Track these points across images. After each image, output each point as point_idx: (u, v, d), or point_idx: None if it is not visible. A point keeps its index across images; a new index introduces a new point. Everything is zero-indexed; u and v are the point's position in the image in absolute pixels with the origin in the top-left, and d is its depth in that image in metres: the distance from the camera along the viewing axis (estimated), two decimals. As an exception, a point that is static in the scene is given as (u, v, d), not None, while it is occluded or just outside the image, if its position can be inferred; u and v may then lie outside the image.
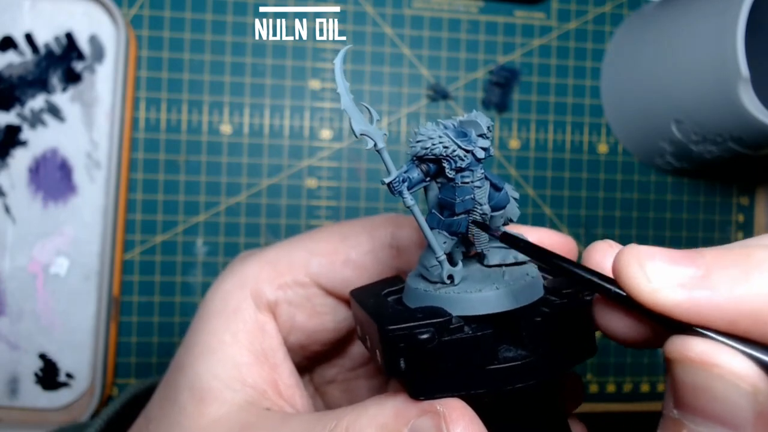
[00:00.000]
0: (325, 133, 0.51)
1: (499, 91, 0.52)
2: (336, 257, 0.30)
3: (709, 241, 0.55)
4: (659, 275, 0.18)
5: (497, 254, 0.25)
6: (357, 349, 0.35)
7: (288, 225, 0.50)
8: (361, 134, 0.22)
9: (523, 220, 0.45)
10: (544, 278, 0.25)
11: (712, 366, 0.17)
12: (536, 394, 0.23)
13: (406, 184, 0.23)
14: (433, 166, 0.23)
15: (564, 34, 0.53)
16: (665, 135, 0.49)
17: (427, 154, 0.22)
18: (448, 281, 0.23)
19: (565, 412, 0.25)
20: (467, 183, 0.23)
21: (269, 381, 0.29)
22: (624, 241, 0.57)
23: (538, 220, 0.52)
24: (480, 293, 0.22)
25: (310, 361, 0.34)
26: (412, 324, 0.21)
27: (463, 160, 0.22)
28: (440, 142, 0.22)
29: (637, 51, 0.50)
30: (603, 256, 0.21)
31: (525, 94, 0.52)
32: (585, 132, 0.53)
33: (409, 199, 0.23)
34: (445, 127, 0.23)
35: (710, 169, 0.54)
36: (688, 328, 0.18)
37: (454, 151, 0.22)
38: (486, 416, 0.22)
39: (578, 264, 0.21)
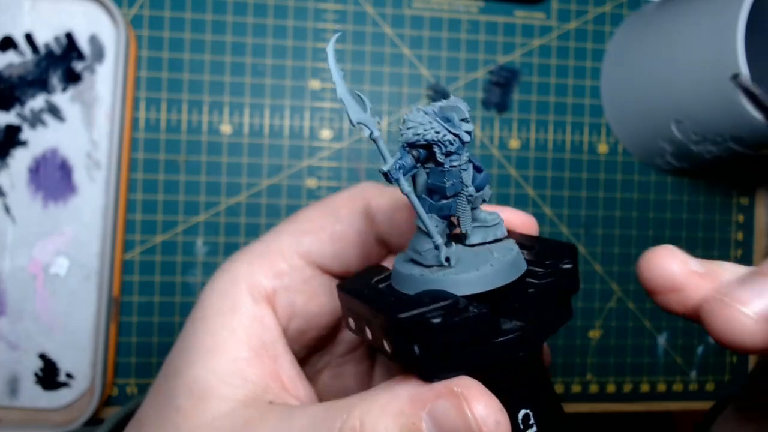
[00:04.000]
0: (325, 133, 0.51)
1: (499, 91, 0.52)
2: (322, 234, 0.30)
3: (709, 241, 0.55)
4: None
5: (478, 233, 0.26)
6: (348, 336, 0.35)
7: (288, 225, 0.50)
8: (358, 123, 0.23)
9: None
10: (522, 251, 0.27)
11: None
12: (529, 359, 0.25)
13: (401, 171, 0.23)
14: (423, 151, 0.24)
15: (564, 34, 0.53)
16: (665, 135, 0.49)
17: (419, 140, 0.23)
18: (447, 263, 0.24)
19: (546, 370, 0.27)
20: (455, 167, 0.24)
21: (271, 374, 0.28)
22: (624, 240, 0.57)
23: (538, 220, 0.52)
24: (477, 272, 0.23)
25: (307, 349, 0.34)
26: (422, 310, 0.21)
27: (452, 144, 0.23)
28: (431, 128, 0.23)
29: (637, 51, 0.50)
30: (666, 262, 0.23)
31: (525, 94, 0.52)
32: (585, 132, 0.53)
33: (406, 185, 0.23)
34: (425, 113, 0.23)
35: (710, 169, 0.54)
36: None
37: (445, 135, 0.23)
38: (487, 386, 0.23)
39: None
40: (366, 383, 0.36)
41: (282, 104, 0.50)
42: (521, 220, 0.31)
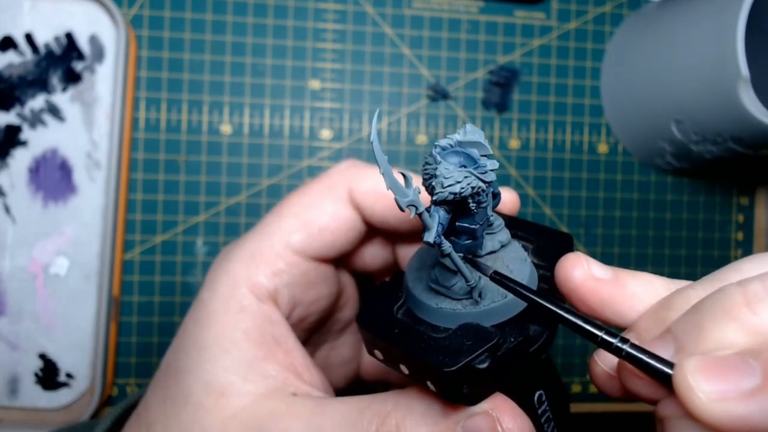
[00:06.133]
0: (325, 133, 0.51)
1: (499, 91, 0.52)
2: (311, 229, 0.31)
3: (709, 241, 0.55)
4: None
5: (488, 242, 0.26)
6: (344, 314, 0.37)
7: (288, 225, 0.50)
8: (408, 206, 0.21)
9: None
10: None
11: None
12: (546, 354, 0.27)
13: (442, 233, 0.22)
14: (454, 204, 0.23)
15: (564, 34, 0.53)
16: (665, 135, 0.49)
17: (456, 198, 0.22)
18: (480, 299, 0.24)
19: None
20: (483, 207, 0.23)
21: (287, 367, 0.29)
22: (624, 240, 0.57)
23: (538, 220, 0.52)
24: (505, 300, 0.24)
25: (307, 332, 0.35)
26: (469, 359, 0.22)
27: (485, 191, 0.22)
28: (468, 184, 0.21)
29: (637, 51, 0.50)
30: (568, 267, 0.24)
31: (525, 94, 0.52)
32: (585, 132, 0.53)
33: (447, 247, 0.22)
34: (443, 149, 0.22)
35: (710, 169, 0.54)
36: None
37: (479, 186, 0.22)
38: (516, 390, 0.25)
39: (576, 314, 0.22)
40: (359, 350, 0.39)
41: (282, 104, 0.50)
42: (507, 198, 0.32)
